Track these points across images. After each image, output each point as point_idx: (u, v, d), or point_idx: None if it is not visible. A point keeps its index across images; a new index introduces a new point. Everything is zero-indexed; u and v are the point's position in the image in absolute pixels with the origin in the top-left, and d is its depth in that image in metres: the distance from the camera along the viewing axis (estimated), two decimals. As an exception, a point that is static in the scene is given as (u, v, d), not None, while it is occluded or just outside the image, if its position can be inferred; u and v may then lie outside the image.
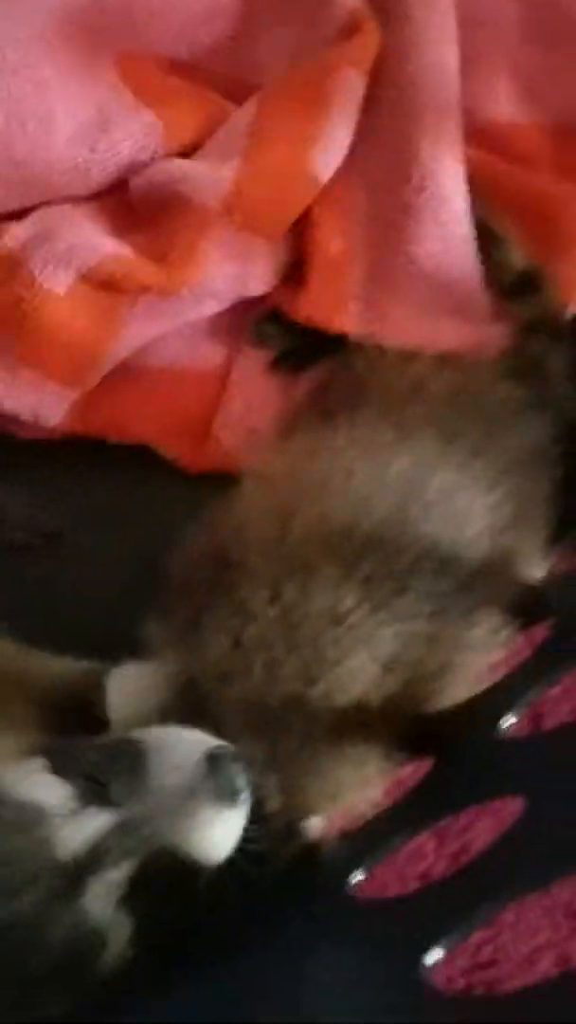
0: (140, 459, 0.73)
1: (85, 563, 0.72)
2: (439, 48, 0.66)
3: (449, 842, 0.63)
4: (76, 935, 0.46)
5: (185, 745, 0.48)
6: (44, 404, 0.69)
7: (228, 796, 0.47)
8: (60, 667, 0.61)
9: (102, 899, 0.46)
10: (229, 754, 0.48)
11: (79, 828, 0.46)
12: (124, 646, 0.59)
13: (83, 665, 0.62)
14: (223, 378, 0.73)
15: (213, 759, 0.47)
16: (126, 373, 0.71)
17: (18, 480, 0.73)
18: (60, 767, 0.48)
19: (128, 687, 0.55)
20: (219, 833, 0.47)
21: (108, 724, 0.55)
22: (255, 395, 0.72)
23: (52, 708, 0.59)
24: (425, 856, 0.63)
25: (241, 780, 0.48)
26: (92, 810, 0.46)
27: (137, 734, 0.50)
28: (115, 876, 0.46)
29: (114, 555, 0.72)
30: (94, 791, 0.47)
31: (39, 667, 0.61)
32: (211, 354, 0.73)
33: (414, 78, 0.65)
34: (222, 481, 0.71)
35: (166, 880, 0.47)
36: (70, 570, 0.72)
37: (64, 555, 0.72)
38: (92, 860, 0.46)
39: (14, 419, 0.71)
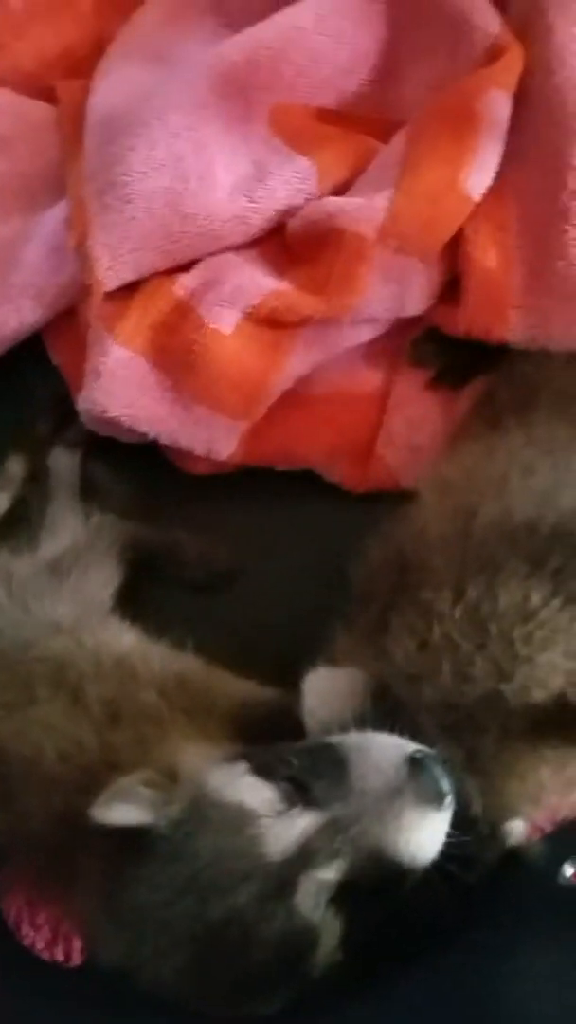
0: (304, 485, 0.77)
1: (262, 592, 0.74)
2: (583, 57, 0.67)
3: None
4: (288, 932, 0.47)
5: (386, 748, 0.49)
6: (216, 437, 0.73)
7: (432, 798, 0.47)
8: (243, 690, 0.63)
9: (312, 898, 0.47)
10: (431, 757, 0.49)
11: (287, 828, 0.47)
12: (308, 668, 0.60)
13: (266, 692, 0.63)
14: (383, 399, 0.75)
15: (415, 762, 0.48)
16: (290, 402, 0.75)
17: (192, 518, 0.77)
18: (263, 770, 0.50)
19: (324, 692, 0.55)
20: (424, 835, 0.47)
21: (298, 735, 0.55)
22: (416, 413, 0.74)
23: (240, 723, 0.61)
24: None
25: (445, 783, 0.48)
26: (298, 811, 0.48)
27: (335, 738, 0.51)
28: (324, 876, 0.47)
29: (290, 583, 0.74)
30: (298, 793, 0.48)
31: (222, 688, 0.63)
32: (370, 377, 0.76)
33: (560, 88, 0.66)
34: (386, 499, 0.74)
35: (374, 882, 0.48)
36: (249, 600, 0.74)
37: (241, 589, 0.75)
38: (301, 859, 0.47)
39: (188, 454, 0.75)
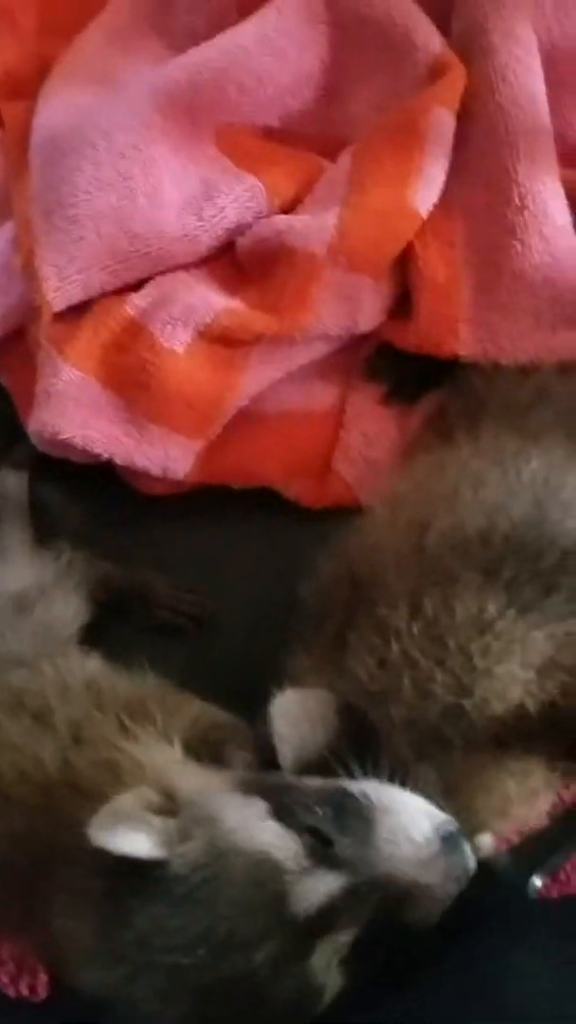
0: (261, 503, 0.76)
1: (221, 611, 0.73)
2: (524, 76, 0.68)
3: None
4: (299, 992, 0.46)
5: (415, 816, 0.48)
6: (172, 457, 0.73)
7: (460, 877, 0.47)
8: (208, 712, 0.62)
9: (326, 959, 0.46)
10: (461, 833, 0.48)
11: (312, 888, 0.46)
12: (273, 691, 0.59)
13: (227, 716, 0.62)
14: (338, 416, 0.75)
15: (447, 838, 0.47)
16: (245, 420, 0.75)
17: (148, 538, 0.76)
18: (281, 813, 0.48)
19: (294, 715, 0.54)
20: (444, 905, 0.47)
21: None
22: (371, 427, 0.74)
23: (206, 745, 0.60)
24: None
25: (472, 861, 0.47)
26: (323, 871, 0.46)
27: (355, 787, 0.49)
28: (342, 939, 0.46)
29: (250, 601, 0.72)
30: (323, 850, 0.46)
31: (187, 711, 0.61)
32: (324, 394, 0.76)
33: (503, 106, 0.68)
34: (344, 515, 0.74)
35: (381, 943, 0.47)
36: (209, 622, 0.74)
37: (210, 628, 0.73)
38: (322, 922, 0.45)
39: (144, 474, 0.75)
